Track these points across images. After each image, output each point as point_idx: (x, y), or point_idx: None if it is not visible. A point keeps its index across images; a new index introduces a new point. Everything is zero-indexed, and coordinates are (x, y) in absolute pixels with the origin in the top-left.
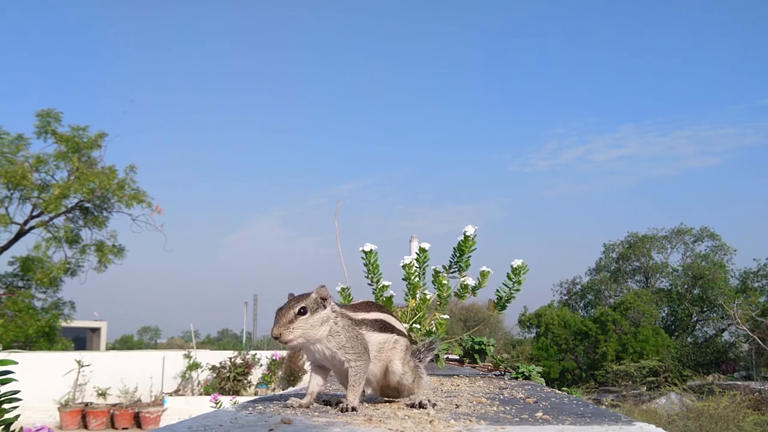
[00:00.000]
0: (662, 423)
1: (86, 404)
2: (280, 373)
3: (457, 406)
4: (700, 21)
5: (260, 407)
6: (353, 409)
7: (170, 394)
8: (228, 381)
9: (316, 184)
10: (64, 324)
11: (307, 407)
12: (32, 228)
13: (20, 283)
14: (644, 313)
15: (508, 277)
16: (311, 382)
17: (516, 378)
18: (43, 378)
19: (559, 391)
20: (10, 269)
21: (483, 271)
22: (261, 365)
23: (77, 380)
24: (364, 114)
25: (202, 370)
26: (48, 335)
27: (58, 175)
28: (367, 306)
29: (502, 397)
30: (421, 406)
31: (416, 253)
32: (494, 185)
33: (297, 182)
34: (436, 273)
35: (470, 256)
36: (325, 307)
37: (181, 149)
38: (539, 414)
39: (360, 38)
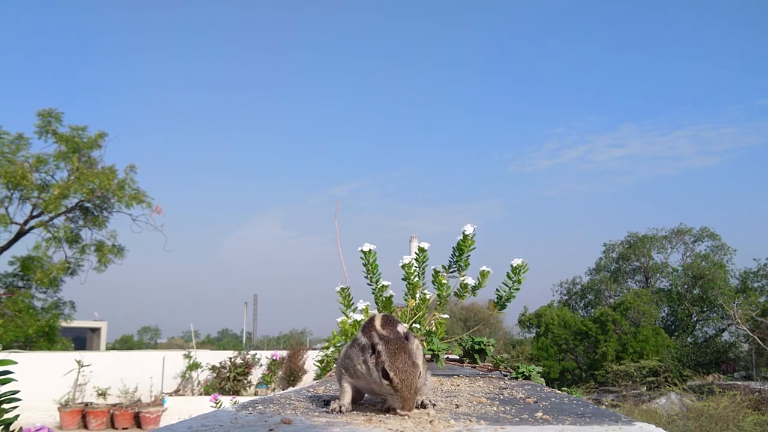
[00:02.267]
0: (662, 423)
1: (86, 404)
2: (280, 373)
3: (457, 406)
4: (700, 21)
5: (260, 407)
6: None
7: (170, 394)
8: (228, 381)
9: (316, 184)
10: (64, 324)
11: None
12: (32, 228)
13: (20, 283)
14: (644, 313)
15: (508, 276)
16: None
17: (516, 378)
18: (43, 378)
19: (559, 391)
20: (10, 269)
21: (483, 270)
22: (261, 365)
23: (77, 380)
24: (364, 114)
25: (202, 370)
26: (48, 335)
27: (58, 175)
28: (390, 321)
29: (502, 397)
30: (422, 406)
31: (416, 252)
32: (494, 185)
33: (297, 182)
34: (436, 273)
35: (470, 256)
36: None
37: (181, 149)
38: (539, 414)
39: (359, 38)
